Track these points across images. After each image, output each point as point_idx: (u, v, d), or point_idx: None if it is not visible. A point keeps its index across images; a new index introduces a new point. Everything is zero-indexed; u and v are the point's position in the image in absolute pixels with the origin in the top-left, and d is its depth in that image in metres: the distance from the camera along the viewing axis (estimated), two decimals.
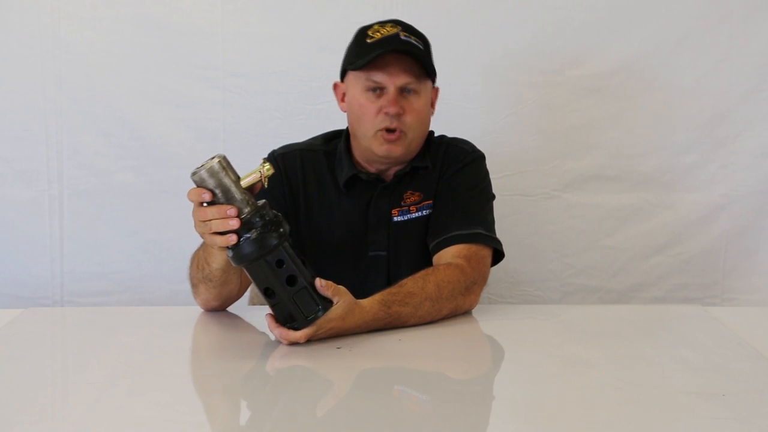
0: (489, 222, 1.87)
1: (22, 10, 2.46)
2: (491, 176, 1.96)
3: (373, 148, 1.82)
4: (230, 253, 1.49)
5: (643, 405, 1.28)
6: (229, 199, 1.46)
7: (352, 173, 1.86)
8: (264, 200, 1.51)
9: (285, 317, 1.52)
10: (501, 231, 1.89)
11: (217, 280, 1.68)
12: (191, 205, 2.48)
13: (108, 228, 2.53)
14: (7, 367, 1.47)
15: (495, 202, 1.93)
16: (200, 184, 1.47)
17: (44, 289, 2.55)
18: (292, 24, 2.47)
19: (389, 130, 1.80)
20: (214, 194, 1.46)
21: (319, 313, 1.51)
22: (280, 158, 1.89)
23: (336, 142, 1.93)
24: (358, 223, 1.87)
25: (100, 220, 2.53)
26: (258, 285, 1.50)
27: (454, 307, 1.71)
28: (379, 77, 1.79)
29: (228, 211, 1.45)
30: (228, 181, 1.46)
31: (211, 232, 1.47)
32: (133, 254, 2.55)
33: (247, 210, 1.46)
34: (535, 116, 2.49)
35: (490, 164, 1.96)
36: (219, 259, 1.62)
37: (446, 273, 1.71)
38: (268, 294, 1.50)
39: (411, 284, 1.67)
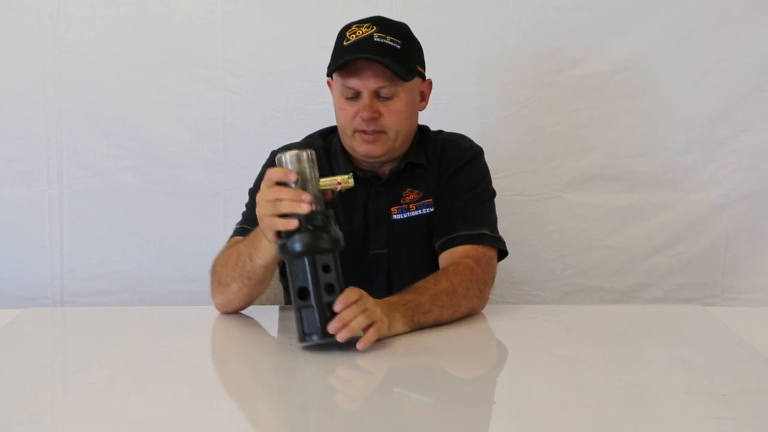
0: (492, 221, 1.87)
1: (22, 10, 2.46)
2: (491, 176, 1.96)
3: (355, 147, 1.83)
4: (281, 243, 1.47)
5: (643, 405, 1.28)
6: (303, 189, 1.46)
7: (349, 170, 1.86)
8: (332, 210, 1.50)
9: (307, 323, 1.48)
10: (501, 231, 1.89)
11: (256, 278, 1.66)
12: (192, 206, 2.47)
13: (108, 228, 2.53)
14: (7, 367, 1.47)
15: (494, 202, 1.93)
16: (283, 166, 1.47)
17: (44, 289, 2.55)
18: (292, 24, 2.47)
19: (367, 132, 1.80)
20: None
21: (320, 337, 1.47)
22: None
23: (332, 137, 1.93)
24: (357, 222, 1.87)
25: (100, 220, 2.53)
26: (294, 283, 1.48)
27: (472, 306, 1.72)
28: (353, 82, 1.79)
29: (302, 196, 1.45)
30: (310, 174, 1.48)
31: (278, 213, 1.46)
32: (133, 254, 2.55)
33: (315, 206, 1.46)
34: (535, 116, 2.49)
35: (490, 164, 1.96)
36: (266, 255, 1.59)
37: (457, 271, 1.72)
38: (302, 295, 1.47)
39: (422, 282, 1.68)
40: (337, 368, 1.46)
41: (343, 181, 1.50)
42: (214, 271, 1.74)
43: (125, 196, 2.53)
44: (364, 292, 1.52)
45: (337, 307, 1.46)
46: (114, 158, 2.51)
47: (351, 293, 1.48)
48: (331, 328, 1.45)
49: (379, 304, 1.54)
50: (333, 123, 2.01)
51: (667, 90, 2.48)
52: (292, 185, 1.46)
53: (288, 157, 1.47)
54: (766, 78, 2.46)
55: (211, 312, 1.79)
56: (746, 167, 2.50)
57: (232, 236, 1.84)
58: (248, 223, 1.82)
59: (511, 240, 1.90)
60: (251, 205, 1.86)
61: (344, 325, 1.45)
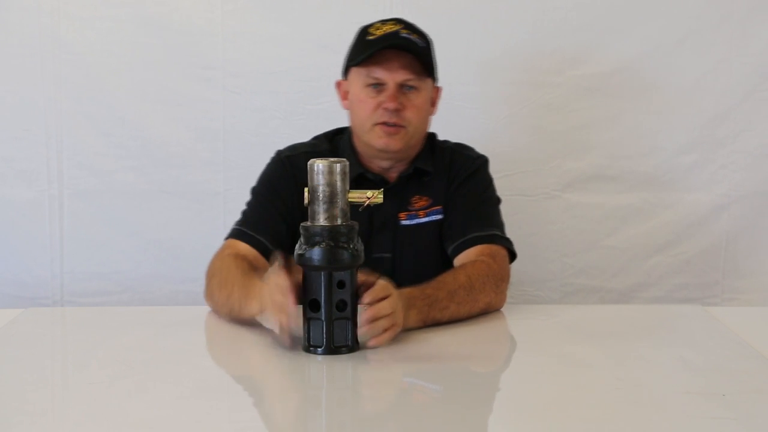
0: (501, 224, 1.92)
1: (22, 10, 2.46)
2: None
3: (372, 141, 1.84)
4: (300, 252, 1.47)
5: (643, 405, 1.28)
6: (331, 201, 1.47)
7: (359, 172, 1.87)
8: (357, 222, 1.50)
9: (314, 335, 1.49)
10: None
11: (243, 320, 1.67)
12: (192, 206, 2.47)
13: (108, 228, 2.53)
14: (7, 367, 1.47)
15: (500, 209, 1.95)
16: (314, 175, 1.47)
17: (44, 289, 2.54)
18: (292, 24, 2.47)
19: (388, 124, 1.81)
20: (319, 190, 1.46)
21: (324, 351, 1.49)
22: (287, 160, 1.90)
23: (338, 139, 1.93)
24: (362, 225, 1.87)
25: (100, 220, 2.53)
26: (307, 293, 1.49)
27: (489, 301, 1.74)
28: (379, 73, 1.81)
29: (281, 318, 1.45)
30: (340, 186, 1.47)
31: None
32: (133, 254, 2.54)
33: (340, 221, 1.47)
34: (535, 116, 2.49)
35: (490, 164, 1.97)
36: (254, 313, 1.60)
37: (474, 267, 1.75)
38: (313, 307, 1.48)
39: (441, 277, 1.70)
40: (336, 368, 1.46)
41: (372, 196, 1.50)
42: (209, 283, 1.75)
43: (125, 196, 2.52)
44: (392, 290, 1.53)
45: (366, 300, 1.48)
46: (114, 158, 2.51)
47: (380, 290, 1.51)
48: (363, 322, 1.48)
49: (400, 298, 1.56)
50: (332, 123, 2.01)
51: (667, 90, 2.48)
52: (323, 196, 1.46)
53: (320, 166, 1.47)
54: (766, 78, 2.46)
55: (211, 313, 1.79)
56: (746, 167, 2.50)
57: (228, 236, 1.85)
58: (247, 226, 1.83)
59: (512, 240, 1.91)
60: (253, 204, 1.87)
61: (371, 321, 1.49)
